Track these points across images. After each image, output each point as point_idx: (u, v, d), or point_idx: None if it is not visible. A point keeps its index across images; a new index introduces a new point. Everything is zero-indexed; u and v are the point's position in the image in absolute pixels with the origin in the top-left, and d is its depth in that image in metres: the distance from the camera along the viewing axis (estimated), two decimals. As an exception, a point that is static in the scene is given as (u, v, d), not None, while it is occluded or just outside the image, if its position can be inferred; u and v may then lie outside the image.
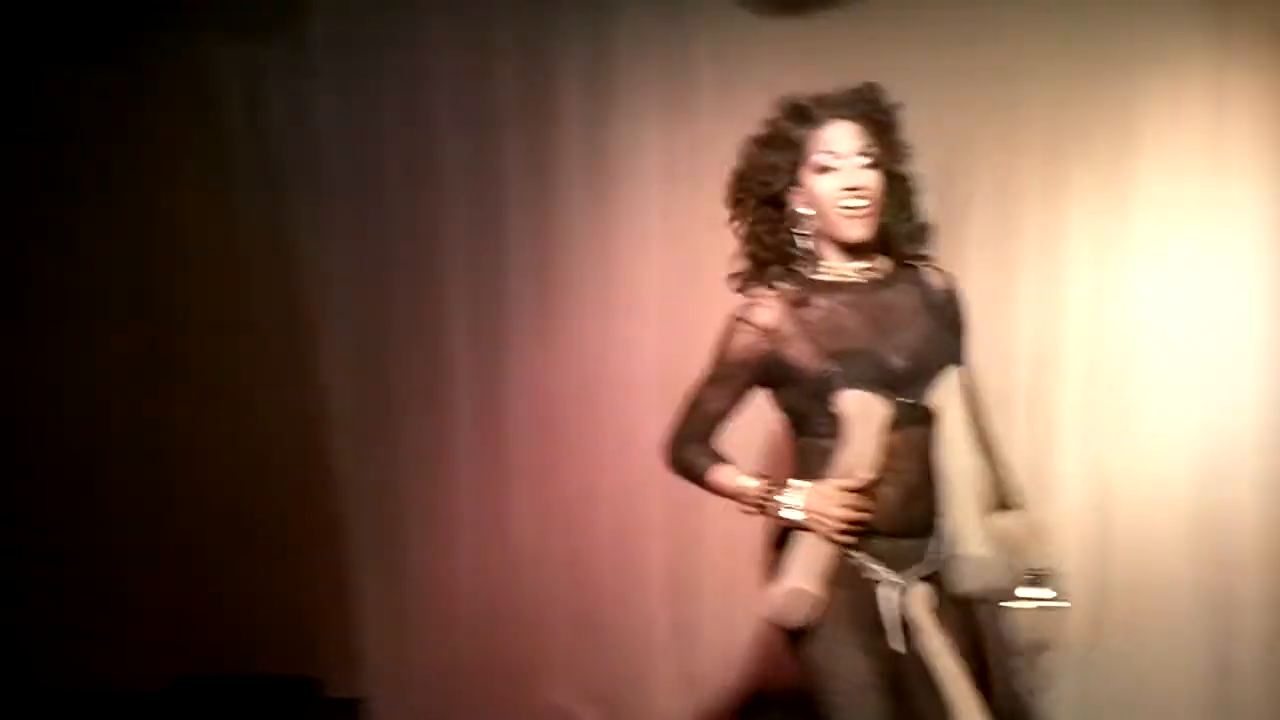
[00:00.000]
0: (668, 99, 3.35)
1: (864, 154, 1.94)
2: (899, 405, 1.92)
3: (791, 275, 2.01)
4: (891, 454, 1.91)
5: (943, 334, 2.01)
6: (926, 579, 1.95)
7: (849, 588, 1.95)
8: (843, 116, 1.96)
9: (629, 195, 3.41)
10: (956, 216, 3.01)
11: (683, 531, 3.37)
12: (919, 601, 1.93)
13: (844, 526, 1.91)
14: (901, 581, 1.94)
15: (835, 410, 1.92)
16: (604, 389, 3.43)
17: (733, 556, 3.30)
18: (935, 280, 2.07)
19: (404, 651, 3.48)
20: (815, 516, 1.93)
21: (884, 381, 1.92)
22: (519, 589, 3.45)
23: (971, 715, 1.87)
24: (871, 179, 1.94)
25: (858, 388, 1.90)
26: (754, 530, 3.17)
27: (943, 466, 1.94)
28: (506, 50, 3.39)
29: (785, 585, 1.95)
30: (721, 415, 2.09)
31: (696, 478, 2.11)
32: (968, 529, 1.91)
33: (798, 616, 1.94)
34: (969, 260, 2.99)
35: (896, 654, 1.94)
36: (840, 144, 1.95)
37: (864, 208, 1.94)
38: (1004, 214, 3.23)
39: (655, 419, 3.17)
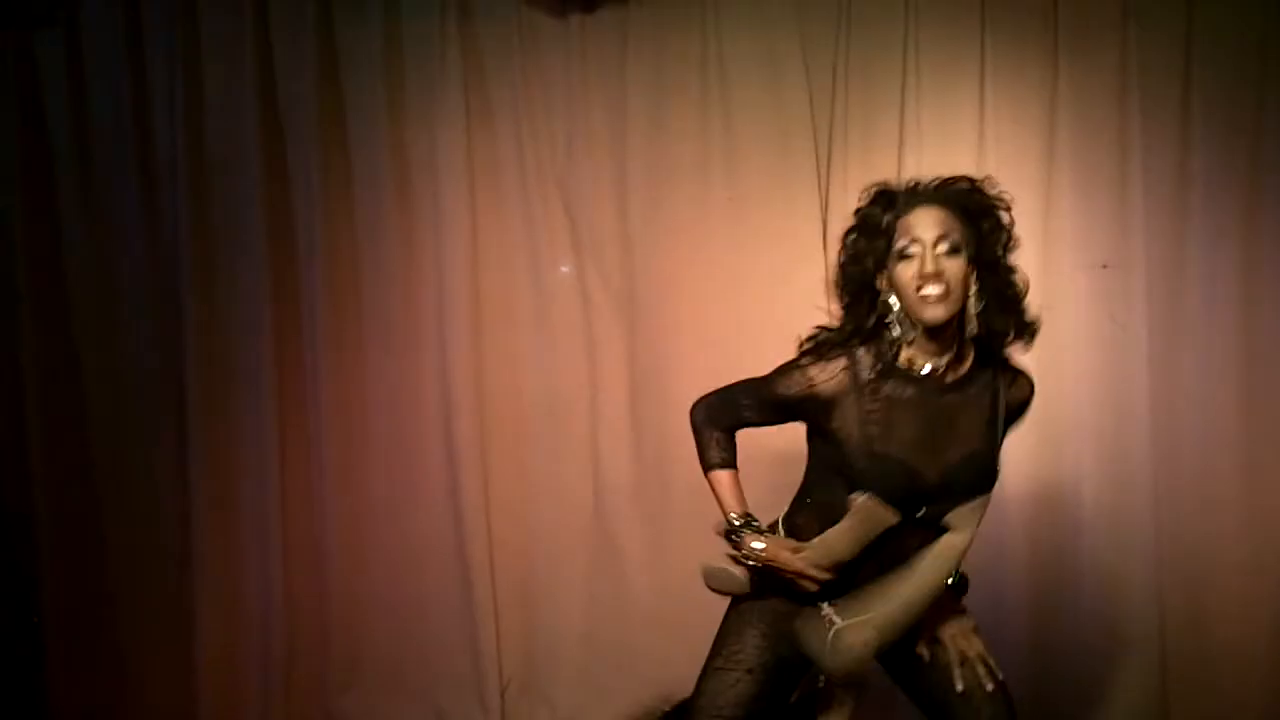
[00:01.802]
0: (463, 100, 3.30)
1: (945, 240, 1.91)
2: (912, 519, 1.96)
3: (871, 353, 1.99)
4: (876, 548, 1.97)
5: (992, 454, 2.01)
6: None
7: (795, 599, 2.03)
8: (929, 203, 1.95)
9: (428, 194, 3.35)
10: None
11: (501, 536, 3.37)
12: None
13: (796, 585, 2.01)
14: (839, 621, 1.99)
15: (849, 498, 1.96)
16: (415, 391, 3.37)
17: (556, 561, 3.37)
18: (1015, 391, 2.05)
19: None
20: (769, 564, 2.01)
21: (909, 496, 1.95)
22: (332, 594, 3.39)
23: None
24: (952, 265, 1.91)
25: (880, 493, 1.94)
26: (571, 532, 3.30)
27: (918, 571, 1.98)
28: (296, 47, 3.28)
29: (718, 565, 2.07)
30: (744, 420, 2.14)
31: (702, 461, 2.16)
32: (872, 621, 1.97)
33: (724, 589, 2.08)
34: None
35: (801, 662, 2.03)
36: (922, 231, 1.92)
37: (940, 294, 1.90)
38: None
39: (467, 419, 3.32)
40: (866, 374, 1.98)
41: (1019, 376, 2.06)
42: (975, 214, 1.96)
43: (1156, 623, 3.09)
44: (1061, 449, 3.13)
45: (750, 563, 2.04)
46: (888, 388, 1.97)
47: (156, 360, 3.34)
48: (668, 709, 3.24)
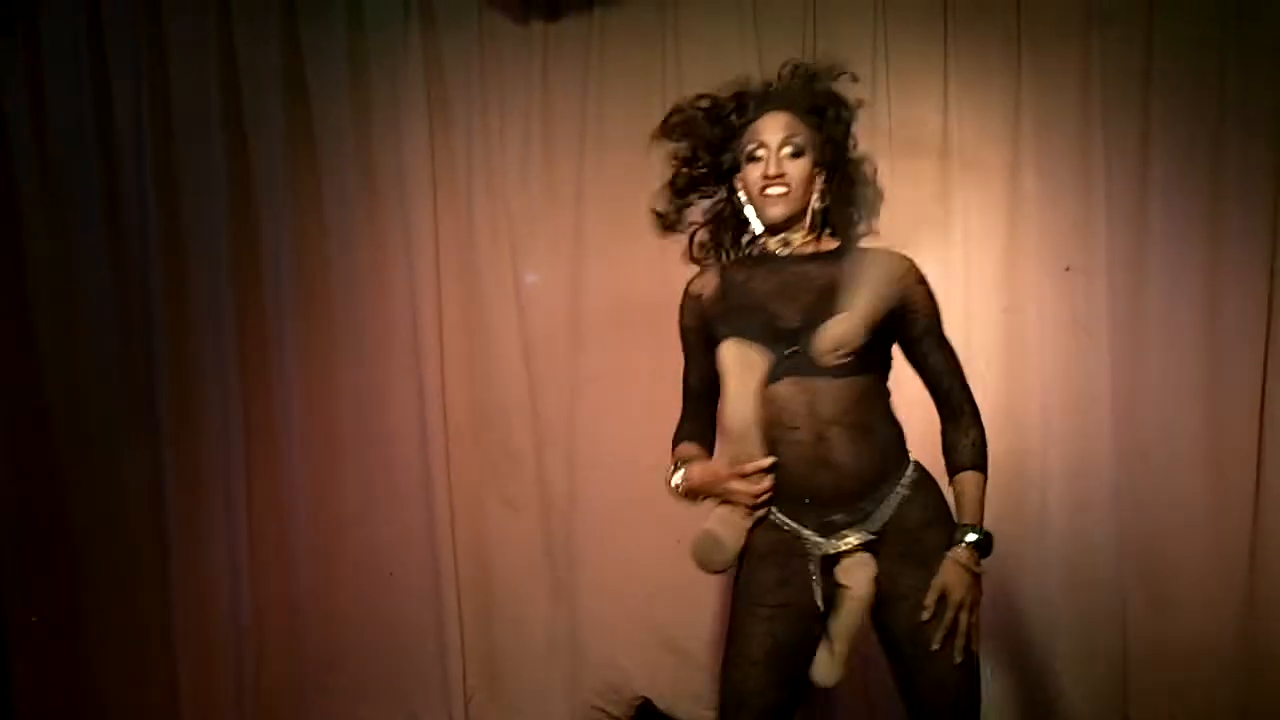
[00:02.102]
0: (426, 107, 3.31)
1: (789, 143, 2.05)
2: (782, 357, 1.97)
3: (735, 250, 2.16)
4: (779, 409, 1.97)
5: (855, 301, 1.99)
6: (869, 544, 1.99)
7: (782, 551, 2.02)
8: (776, 108, 2.09)
9: (396, 202, 3.35)
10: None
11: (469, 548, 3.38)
12: (855, 572, 1.98)
13: (745, 499, 2.01)
14: (825, 545, 1.99)
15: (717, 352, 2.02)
16: (385, 398, 3.38)
17: (519, 569, 3.36)
18: (884, 262, 2.06)
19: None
20: (705, 491, 2.05)
21: (770, 336, 2.00)
22: (302, 602, 3.38)
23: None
24: (795, 166, 2.05)
25: (742, 334, 2.00)
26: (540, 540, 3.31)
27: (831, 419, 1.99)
28: (260, 56, 3.27)
29: (701, 530, 2.05)
30: (700, 391, 2.17)
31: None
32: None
33: (711, 560, 2.04)
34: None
35: (816, 620, 2.00)
36: (767, 134, 2.07)
37: (784, 193, 2.05)
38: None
39: (438, 426, 3.31)
40: (731, 268, 2.14)
41: (889, 252, 2.09)
42: (820, 116, 2.10)
43: (1119, 620, 3.12)
44: (1026, 450, 3.15)
45: (687, 494, 2.09)
46: (747, 270, 2.12)
47: (124, 369, 3.32)
48: (627, 709, 3.29)
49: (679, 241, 3.12)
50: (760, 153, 2.06)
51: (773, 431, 1.99)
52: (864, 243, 2.16)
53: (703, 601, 3.08)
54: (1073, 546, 3.14)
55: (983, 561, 2.03)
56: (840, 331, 1.96)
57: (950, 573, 1.98)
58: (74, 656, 3.31)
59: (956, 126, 3.15)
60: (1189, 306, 3.10)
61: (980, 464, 2.07)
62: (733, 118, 2.11)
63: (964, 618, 1.97)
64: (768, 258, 2.11)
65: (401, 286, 3.35)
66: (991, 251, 3.19)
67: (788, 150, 2.05)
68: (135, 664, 3.32)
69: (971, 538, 2.01)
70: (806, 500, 2.00)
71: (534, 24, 3.28)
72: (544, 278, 3.36)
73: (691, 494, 2.09)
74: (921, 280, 2.09)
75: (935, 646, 1.96)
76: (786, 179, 2.04)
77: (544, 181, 3.34)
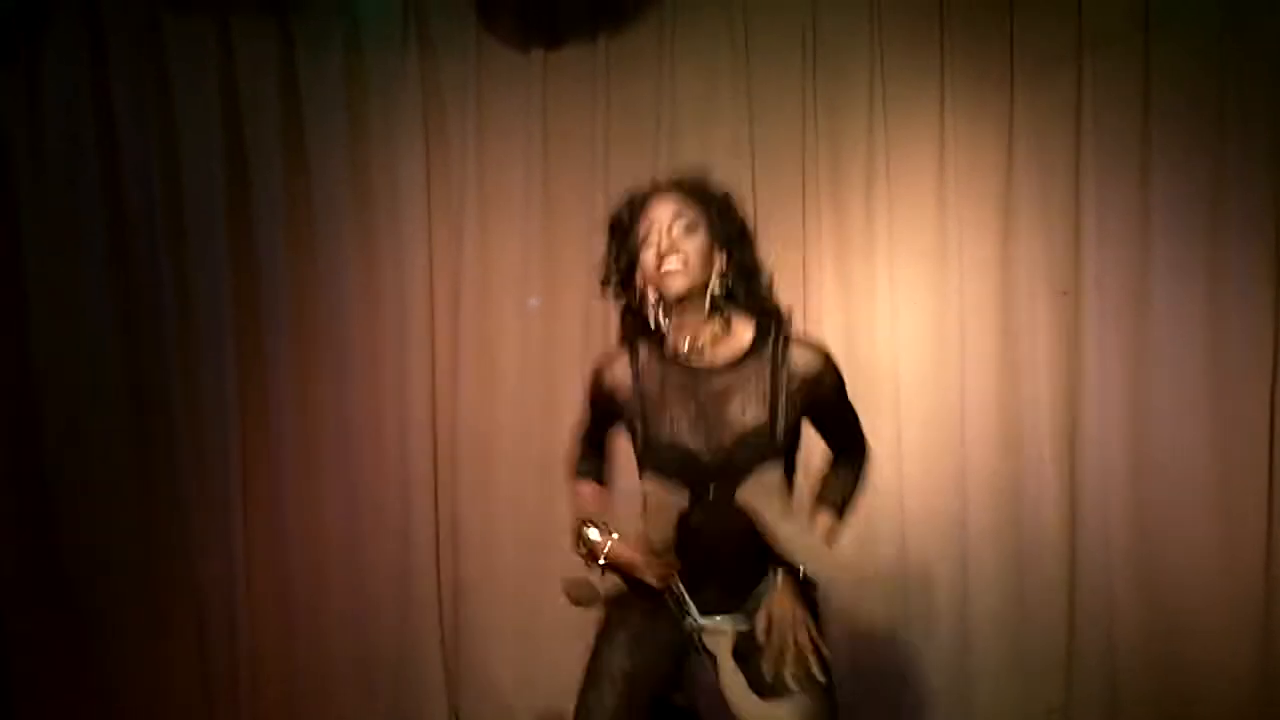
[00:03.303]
0: (422, 132, 3.33)
1: (680, 217, 2.04)
2: (702, 498, 2.01)
3: (651, 341, 2.10)
4: (695, 535, 2.02)
5: (773, 428, 2.00)
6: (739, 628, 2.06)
7: (657, 602, 2.09)
8: (664, 192, 2.09)
9: (389, 226, 3.37)
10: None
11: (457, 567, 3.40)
12: (724, 644, 2.04)
13: (645, 584, 2.08)
14: (703, 625, 2.07)
15: (640, 486, 2.05)
16: (373, 418, 3.39)
17: (507, 599, 3.38)
18: (799, 361, 2.05)
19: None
20: (614, 567, 2.09)
21: (690, 472, 2.02)
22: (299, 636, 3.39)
23: None
24: (689, 242, 2.03)
25: (660, 475, 2.02)
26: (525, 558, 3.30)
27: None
28: (258, 81, 3.29)
29: (579, 576, 2.13)
30: (596, 436, 2.25)
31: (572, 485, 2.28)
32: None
33: (582, 600, 2.13)
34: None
35: (674, 658, 2.10)
36: (659, 213, 2.05)
37: (680, 269, 2.01)
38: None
39: (424, 451, 3.34)
40: (643, 365, 2.10)
41: (804, 347, 2.07)
42: (708, 200, 2.09)
43: (1112, 639, 3.15)
44: (1021, 472, 3.18)
45: (596, 560, 2.11)
46: (662, 375, 2.07)
47: (123, 379, 3.32)
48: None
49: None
50: (653, 234, 2.04)
51: (687, 549, 2.04)
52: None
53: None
54: (1066, 574, 3.17)
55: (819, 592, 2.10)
56: (760, 499, 2.00)
57: (776, 598, 2.04)
58: (71, 662, 3.31)
59: (952, 152, 3.19)
60: (1191, 330, 3.11)
61: (838, 506, 2.14)
62: (624, 218, 2.11)
63: (800, 637, 2.02)
64: (680, 366, 2.06)
65: (392, 309, 3.37)
66: (986, 274, 3.21)
67: (680, 225, 2.03)
68: (130, 669, 3.32)
69: (796, 573, 2.05)
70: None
71: (533, 52, 3.29)
72: (541, 303, 3.38)
73: (599, 561, 2.11)
74: (832, 376, 2.08)
75: (769, 670, 2.01)
76: (682, 253, 2.01)
77: (541, 209, 3.35)
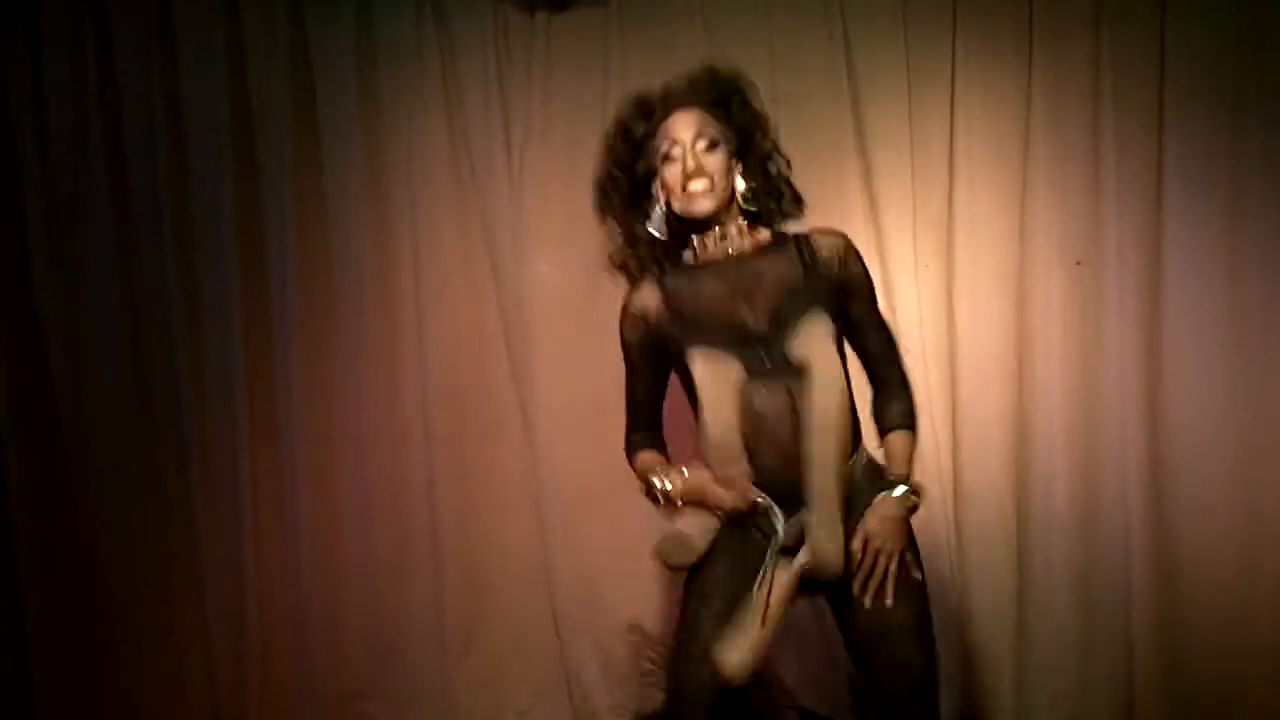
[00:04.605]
0: (442, 101, 3.29)
1: (702, 137, 2.04)
2: (756, 361, 1.98)
3: (669, 260, 2.12)
4: (759, 414, 1.98)
5: (813, 291, 2.03)
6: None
7: (738, 549, 2.03)
8: (683, 105, 2.07)
9: (405, 199, 3.33)
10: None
11: (469, 537, 3.38)
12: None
13: (728, 509, 2.01)
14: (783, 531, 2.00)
15: (690, 375, 2.00)
16: (391, 400, 3.37)
17: (522, 562, 3.38)
18: (820, 246, 2.08)
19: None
20: (690, 498, 2.03)
21: (740, 342, 2.00)
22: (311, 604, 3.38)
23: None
24: (712, 160, 2.04)
25: (709, 349, 1.99)
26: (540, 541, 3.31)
27: (808, 420, 1.96)
28: (268, 50, 3.26)
29: (670, 530, 2.05)
30: (647, 400, 2.21)
31: (632, 467, 2.21)
32: (822, 511, 1.97)
33: (677, 560, 2.05)
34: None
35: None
36: (680, 132, 2.05)
37: (707, 188, 2.03)
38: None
39: (445, 423, 3.32)
40: (669, 281, 2.10)
41: (824, 232, 2.11)
42: (725, 104, 2.09)
43: (1123, 623, 3.11)
44: (1034, 447, 3.14)
45: (674, 502, 2.06)
46: (690, 279, 2.09)
47: (131, 371, 3.32)
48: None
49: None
50: (675, 151, 2.05)
51: (756, 443, 2.00)
52: (791, 226, 2.17)
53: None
54: (1081, 548, 3.13)
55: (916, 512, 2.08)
56: (823, 332, 2.00)
57: (873, 520, 2.02)
58: (86, 659, 3.34)
59: (964, 118, 3.14)
60: (1210, 300, 3.05)
61: (909, 425, 2.12)
62: (639, 126, 2.10)
63: (884, 563, 2.01)
64: (710, 262, 2.09)
65: (409, 285, 3.34)
66: (1002, 245, 3.17)
67: (702, 144, 2.04)
68: (143, 666, 3.35)
69: (899, 490, 2.05)
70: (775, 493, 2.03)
71: (538, 15, 3.25)
72: (558, 271, 3.34)
73: (674, 500, 2.08)
74: (858, 258, 2.12)
75: (859, 593, 2.01)
76: (707, 172, 2.03)
77: (559, 179, 3.31)
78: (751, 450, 1.99)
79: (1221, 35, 2.98)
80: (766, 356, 2.00)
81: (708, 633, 2.00)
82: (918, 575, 2.05)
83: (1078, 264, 3.12)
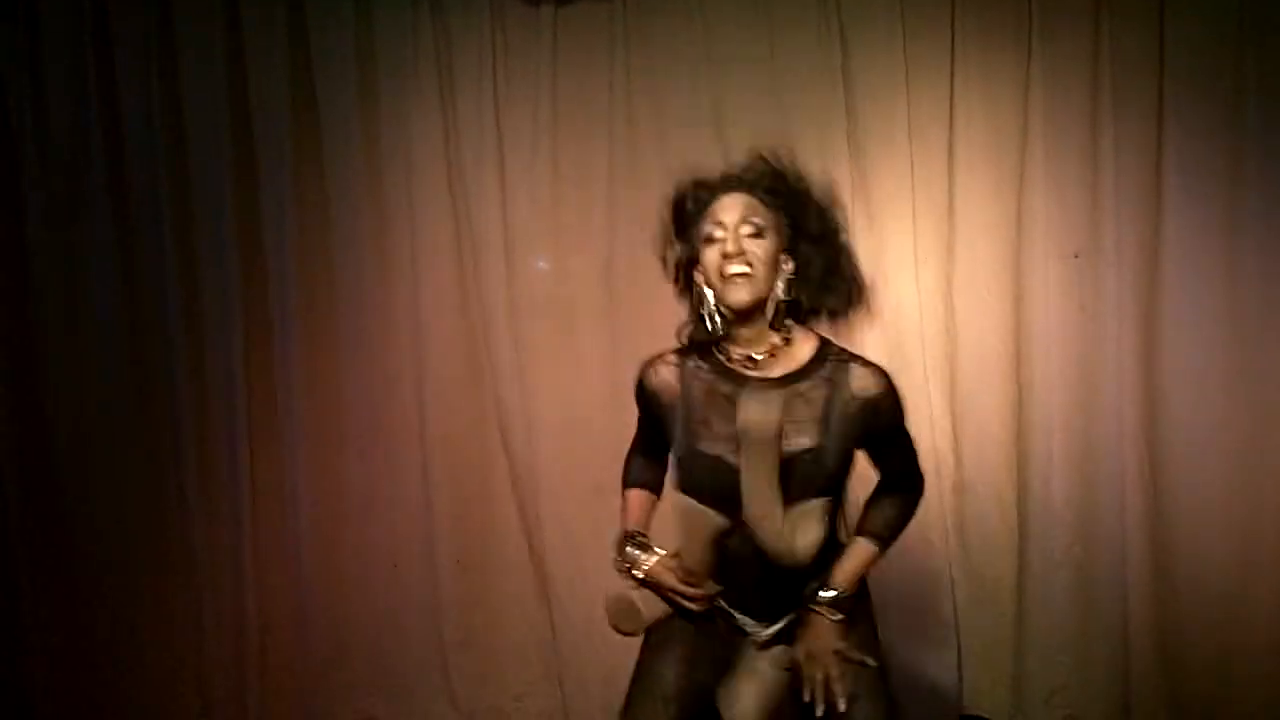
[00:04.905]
0: (438, 92, 3.29)
1: (747, 222, 1.91)
2: (739, 524, 1.90)
3: (706, 350, 1.98)
4: (730, 560, 1.93)
5: (825, 460, 1.90)
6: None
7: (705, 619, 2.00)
8: (733, 189, 1.95)
9: (403, 189, 3.33)
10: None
11: (466, 540, 3.39)
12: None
13: (684, 604, 1.98)
14: (760, 636, 1.98)
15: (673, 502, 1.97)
16: (389, 390, 3.37)
17: (517, 564, 3.38)
18: (858, 385, 1.92)
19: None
20: (654, 584, 1.99)
21: (727, 497, 1.89)
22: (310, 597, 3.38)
23: None
24: (756, 246, 1.90)
25: (697, 493, 1.92)
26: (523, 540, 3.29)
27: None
28: (267, 41, 3.25)
29: (620, 593, 2.01)
30: (648, 445, 2.14)
31: (621, 493, 2.17)
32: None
33: (624, 626, 2.01)
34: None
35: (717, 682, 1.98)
36: (726, 214, 1.92)
37: (746, 273, 1.89)
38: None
39: (442, 419, 3.32)
40: (692, 371, 1.98)
41: (865, 368, 1.95)
42: (781, 194, 1.95)
43: (1121, 617, 3.09)
44: (1032, 440, 3.13)
45: (636, 575, 2.02)
46: (710, 382, 1.96)
47: (130, 365, 3.33)
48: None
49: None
50: (718, 233, 1.91)
51: (724, 573, 1.97)
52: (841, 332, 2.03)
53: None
54: (1079, 542, 3.12)
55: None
56: (800, 543, 1.91)
57: (802, 651, 1.95)
58: (82, 649, 3.35)
59: (963, 109, 3.13)
60: (1208, 293, 3.04)
61: (882, 540, 2.03)
62: (689, 205, 1.99)
63: (822, 678, 1.92)
64: (730, 374, 1.95)
65: (406, 276, 3.34)
66: (999, 237, 3.16)
67: (747, 229, 1.91)
68: (141, 658, 3.36)
69: (828, 594, 1.96)
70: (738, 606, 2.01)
71: (544, 7, 3.24)
72: (554, 267, 3.34)
73: (636, 578, 2.03)
74: (892, 401, 1.96)
75: (805, 698, 1.93)
76: (747, 257, 1.89)
77: (556, 170, 3.31)
78: (719, 578, 1.97)
79: (1221, 29, 2.97)
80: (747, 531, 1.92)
81: (669, 684, 2.00)
82: (871, 662, 1.99)
83: (1075, 257, 3.11)
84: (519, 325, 3.34)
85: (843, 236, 1.99)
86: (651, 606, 2.01)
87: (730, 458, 1.89)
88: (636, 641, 3.16)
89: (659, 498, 2.16)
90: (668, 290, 3.12)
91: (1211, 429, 3.03)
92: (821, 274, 1.94)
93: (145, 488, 3.34)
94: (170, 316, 3.29)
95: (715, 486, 1.90)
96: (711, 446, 1.91)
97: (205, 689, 3.38)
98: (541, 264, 3.35)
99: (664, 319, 3.14)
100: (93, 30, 3.23)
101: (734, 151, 2.98)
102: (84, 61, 3.24)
